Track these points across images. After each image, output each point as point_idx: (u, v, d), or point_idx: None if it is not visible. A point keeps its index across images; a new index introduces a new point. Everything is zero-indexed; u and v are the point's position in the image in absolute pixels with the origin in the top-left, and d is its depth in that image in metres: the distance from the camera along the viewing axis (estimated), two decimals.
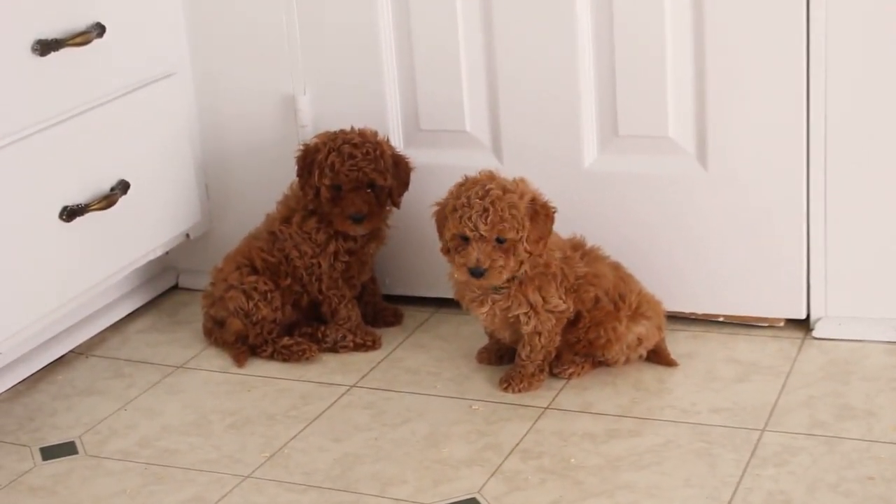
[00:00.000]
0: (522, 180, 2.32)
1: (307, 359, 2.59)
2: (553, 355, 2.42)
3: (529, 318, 2.36)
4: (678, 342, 2.53)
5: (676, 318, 2.59)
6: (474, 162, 2.54)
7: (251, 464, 2.25)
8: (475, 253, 2.27)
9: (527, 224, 2.27)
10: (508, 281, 2.33)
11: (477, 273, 2.27)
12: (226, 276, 2.63)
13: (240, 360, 2.60)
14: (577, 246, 2.43)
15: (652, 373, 2.45)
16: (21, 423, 2.44)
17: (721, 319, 2.59)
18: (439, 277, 2.57)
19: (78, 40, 2.41)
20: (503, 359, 2.51)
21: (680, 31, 2.44)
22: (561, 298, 2.37)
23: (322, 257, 2.59)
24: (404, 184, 2.58)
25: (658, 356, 2.47)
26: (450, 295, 2.48)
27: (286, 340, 2.60)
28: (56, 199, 2.43)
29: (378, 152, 2.53)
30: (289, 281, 2.62)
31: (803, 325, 2.55)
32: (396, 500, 2.12)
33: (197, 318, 2.75)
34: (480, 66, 2.59)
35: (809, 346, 2.49)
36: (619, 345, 2.40)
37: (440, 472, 2.18)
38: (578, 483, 2.12)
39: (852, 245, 2.45)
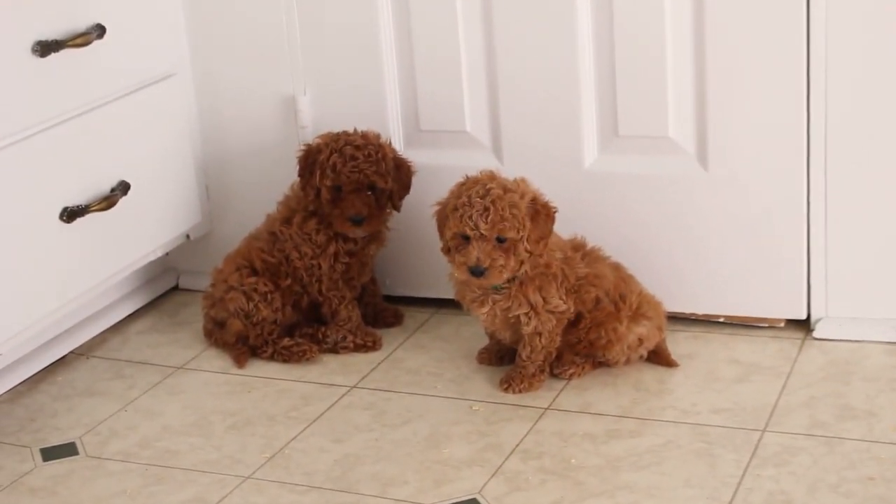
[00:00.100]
0: (523, 180, 2.32)
1: (307, 360, 2.59)
2: (553, 356, 2.42)
3: (530, 318, 2.36)
4: (678, 343, 2.53)
5: (677, 318, 2.59)
6: (474, 162, 2.54)
7: (252, 464, 2.25)
8: (476, 252, 2.27)
9: (527, 224, 2.27)
10: (509, 281, 2.33)
11: (477, 272, 2.27)
12: (226, 278, 2.63)
13: (240, 361, 2.60)
14: (577, 246, 2.43)
15: (652, 373, 2.45)
16: (22, 424, 2.44)
17: (721, 320, 2.59)
18: (440, 278, 2.57)
19: (78, 41, 2.41)
20: (504, 359, 2.51)
21: (680, 31, 2.44)
22: (561, 299, 2.37)
23: (322, 258, 2.59)
24: (405, 187, 2.58)
25: (658, 357, 2.47)
26: (450, 296, 2.49)
27: (286, 341, 2.60)
28: (56, 200, 2.44)
29: (380, 155, 2.53)
30: (289, 282, 2.62)
31: (804, 325, 2.55)
32: (397, 500, 2.12)
33: (197, 318, 2.75)
34: (481, 67, 2.60)
35: (810, 347, 2.49)
36: (620, 345, 2.40)
37: (441, 473, 2.18)
38: (579, 483, 2.12)
39: (853, 245, 2.45)
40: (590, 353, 2.43)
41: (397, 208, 2.58)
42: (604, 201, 2.58)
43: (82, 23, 2.45)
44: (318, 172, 2.52)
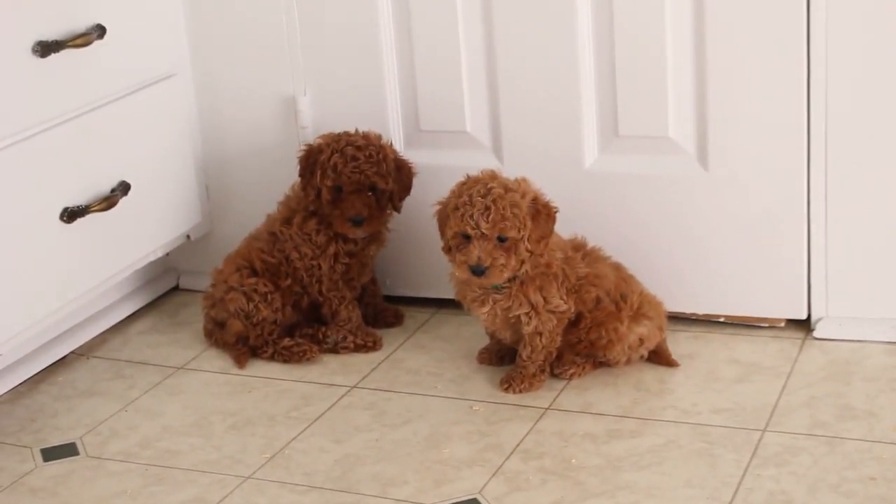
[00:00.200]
0: (524, 180, 2.32)
1: (308, 360, 2.59)
2: (554, 356, 2.42)
3: (530, 318, 2.36)
4: (679, 343, 2.53)
5: (677, 318, 2.59)
6: (475, 162, 2.54)
7: (252, 465, 2.25)
8: (476, 251, 2.27)
9: (528, 223, 2.27)
10: (509, 281, 2.33)
11: (478, 271, 2.27)
12: (226, 278, 2.63)
13: (240, 362, 2.60)
14: (578, 246, 2.43)
15: (653, 373, 2.45)
16: (22, 425, 2.44)
17: (722, 320, 2.59)
18: (440, 278, 2.57)
19: (78, 42, 2.41)
20: (504, 359, 2.51)
21: (680, 31, 2.44)
22: (562, 299, 2.37)
23: (322, 259, 2.59)
24: (406, 188, 2.58)
25: (659, 357, 2.47)
26: (451, 296, 2.48)
27: (287, 341, 2.60)
28: (57, 201, 2.44)
29: (381, 155, 2.53)
30: (289, 282, 2.62)
31: (804, 325, 2.55)
32: (397, 500, 2.12)
33: (198, 319, 2.75)
34: (481, 67, 2.60)
35: (810, 347, 2.49)
36: (621, 345, 2.40)
37: (441, 473, 2.18)
38: (579, 483, 2.12)
39: (853, 245, 2.45)
40: (590, 353, 2.43)
41: (397, 209, 2.58)
42: (604, 201, 2.58)
43: (82, 23, 2.45)
44: (318, 172, 2.52)
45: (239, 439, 2.33)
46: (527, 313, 2.36)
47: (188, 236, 2.83)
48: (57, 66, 2.39)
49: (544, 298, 2.35)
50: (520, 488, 2.12)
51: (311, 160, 2.55)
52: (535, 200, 2.30)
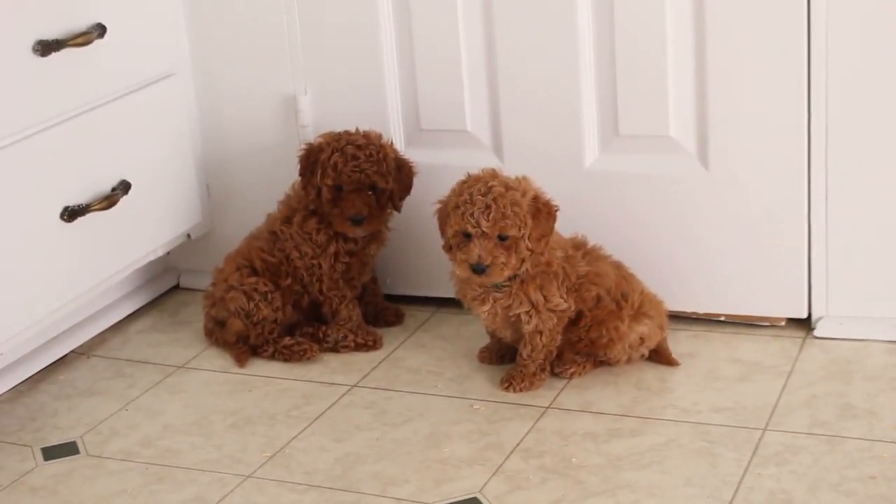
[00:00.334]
0: (525, 178, 2.32)
1: (308, 359, 2.59)
2: (554, 354, 2.42)
3: (531, 316, 2.36)
4: (679, 342, 2.53)
5: (678, 317, 2.58)
6: (475, 161, 2.54)
7: (252, 463, 2.25)
8: (477, 249, 2.27)
9: (529, 222, 2.27)
10: (510, 279, 2.33)
11: (478, 269, 2.27)
12: (226, 277, 2.63)
13: (241, 361, 2.60)
14: (578, 245, 2.43)
15: (653, 372, 2.45)
16: (22, 424, 2.44)
17: (722, 319, 2.59)
18: (440, 277, 2.57)
19: (79, 41, 2.41)
20: (504, 358, 2.51)
21: (681, 30, 2.44)
22: (562, 297, 2.37)
23: (322, 258, 2.59)
24: (406, 188, 2.58)
25: (660, 356, 2.47)
26: (451, 294, 2.49)
27: (287, 340, 2.60)
28: (57, 200, 2.44)
29: (381, 155, 2.53)
30: (289, 281, 2.62)
31: (805, 324, 2.55)
32: (398, 499, 2.12)
33: (198, 318, 2.75)
34: (481, 66, 2.60)
35: (811, 346, 2.49)
36: (622, 344, 2.40)
37: (441, 472, 2.18)
38: (580, 482, 2.11)
39: (853, 244, 2.45)
40: (591, 352, 2.43)
41: (398, 208, 2.58)
42: (604, 200, 2.58)
43: (83, 22, 2.45)
44: (319, 172, 2.52)
45: (239, 438, 2.33)
46: (527, 312, 2.36)
47: (189, 235, 2.83)
48: (57, 66, 2.39)
49: (545, 297, 2.35)
50: (520, 487, 2.12)
51: (312, 159, 2.55)
52: (536, 199, 2.30)
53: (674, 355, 2.47)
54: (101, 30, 2.47)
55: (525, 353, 2.40)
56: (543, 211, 2.30)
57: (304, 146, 2.59)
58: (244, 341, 2.61)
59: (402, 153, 2.61)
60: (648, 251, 2.56)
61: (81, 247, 2.50)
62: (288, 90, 2.73)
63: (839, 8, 2.33)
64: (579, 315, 2.41)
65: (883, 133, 2.38)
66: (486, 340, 2.54)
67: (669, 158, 2.53)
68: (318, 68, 2.71)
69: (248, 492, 2.17)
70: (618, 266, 2.45)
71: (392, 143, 2.61)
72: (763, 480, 2.08)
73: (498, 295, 2.36)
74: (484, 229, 2.26)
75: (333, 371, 2.55)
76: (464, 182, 2.33)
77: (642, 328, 2.41)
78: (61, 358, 2.66)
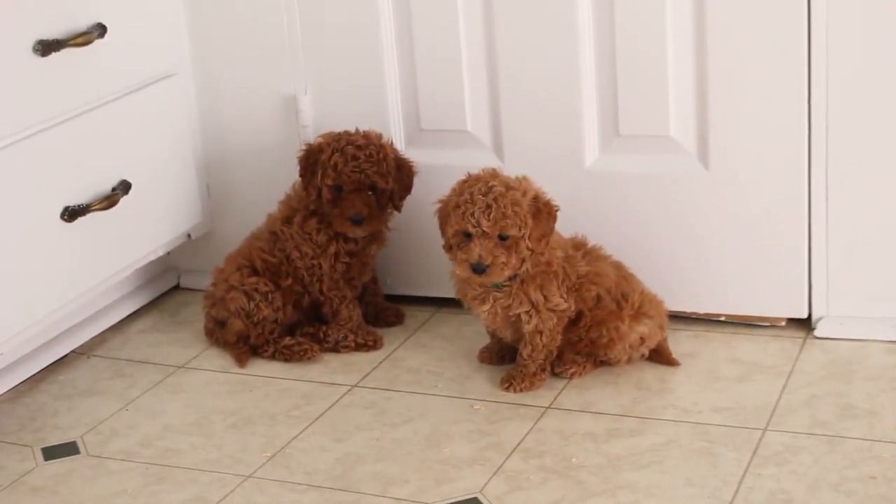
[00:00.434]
0: (525, 178, 2.32)
1: (308, 359, 2.59)
2: (554, 354, 2.42)
3: (531, 316, 2.36)
4: (680, 342, 2.53)
5: (678, 317, 2.58)
6: (475, 161, 2.54)
7: (253, 464, 2.25)
8: (477, 249, 2.27)
9: (529, 221, 2.27)
10: (510, 279, 2.33)
11: (479, 269, 2.27)
12: (227, 277, 2.63)
13: (241, 361, 2.60)
14: (578, 245, 2.43)
15: (653, 372, 2.45)
16: (23, 424, 2.44)
17: (722, 319, 2.59)
18: (441, 277, 2.57)
19: (79, 41, 2.41)
20: (504, 358, 2.51)
21: (681, 30, 2.44)
22: (562, 297, 2.37)
23: (323, 258, 2.59)
24: (406, 188, 2.58)
25: (660, 356, 2.47)
26: (451, 295, 2.48)
27: (287, 340, 2.60)
28: (57, 200, 2.44)
29: (381, 155, 2.53)
30: (290, 281, 2.62)
31: (805, 324, 2.55)
32: (398, 499, 2.12)
33: (198, 318, 2.75)
34: (482, 66, 2.59)
35: (811, 346, 2.49)
36: (622, 344, 2.40)
37: (442, 472, 2.18)
38: (580, 482, 2.11)
39: (854, 244, 2.45)
40: (591, 352, 2.43)
41: (398, 208, 2.58)
42: (605, 200, 2.58)
43: (83, 22, 2.45)
44: (319, 172, 2.52)
45: (239, 438, 2.33)
46: (527, 312, 2.36)
47: (189, 235, 2.83)
48: (58, 65, 2.39)
49: (545, 297, 2.35)
50: (520, 487, 2.12)
51: (312, 160, 2.55)
52: (536, 199, 2.30)
53: (674, 355, 2.47)
54: (101, 30, 2.47)
55: (525, 353, 2.40)
56: (544, 211, 2.30)
57: (303, 147, 2.59)
58: (244, 341, 2.61)
59: (402, 153, 2.61)
60: (649, 251, 2.56)
61: (82, 247, 2.50)
62: (288, 90, 2.73)
63: (839, 8, 2.33)
64: (579, 315, 2.41)
65: (883, 133, 2.38)
66: (486, 340, 2.54)
67: (670, 158, 2.53)
68: (318, 68, 2.71)
69: (249, 492, 2.17)
70: (618, 266, 2.45)
71: (392, 142, 2.61)
72: (763, 480, 2.08)
73: (498, 295, 2.36)
74: (484, 229, 2.26)
75: (334, 371, 2.55)
76: (464, 182, 2.33)
77: (642, 328, 2.41)
78: (61, 358, 2.66)
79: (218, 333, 2.66)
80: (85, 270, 2.52)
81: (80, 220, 2.47)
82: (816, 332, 2.51)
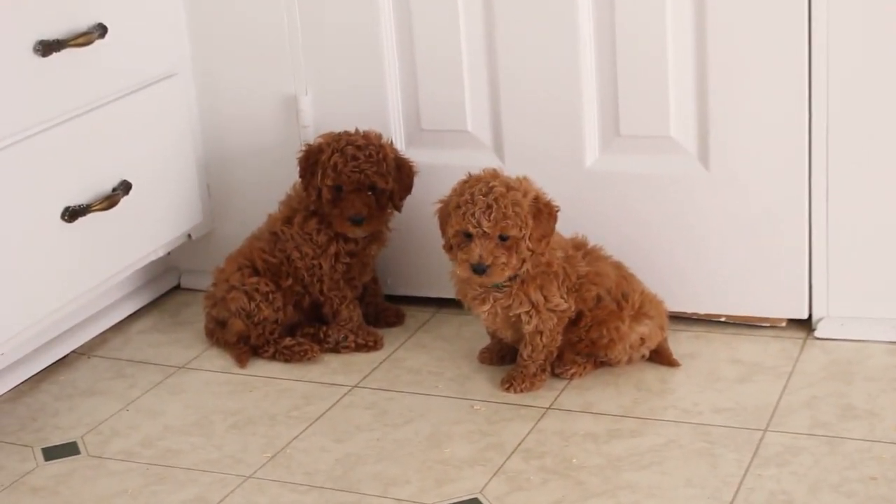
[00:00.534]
0: (526, 179, 2.33)
1: (309, 359, 2.59)
2: (555, 355, 2.42)
3: (531, 317, 2.36)
4: (680, 342, 2.53)
5: (678, 318, 2.58)
6: (476, 162, 2.54)
7: (253, 464, 2.25)
8: (478, 249, 2.27)
9: (530, 222, 2.27)
10: (510, 279, 2.33)
11: (479, 269, 2.27)
12: (227, 277, 2.63)
13: (241, 361, 2.60)
14: (578, 245, 2.43)
15: (654, 373, 2.45)
16: (23, 424, 2.44)
17: (723, 319, 2.59)
18: (441, 277, 2.57)
19: (80, 41, 2.41)
20: (505, 359, 2.51)
21: (681, 30, 2.44)
22: (563, 297, 2.37)
23: (323, 258, 2.59)
24: (407, 188, 2.58)
25: (660, 356, 2.47)
26: (452, 295, 2.48)
27: (288, 341, 2.60)
28: (58, 200, 2.44)
29: (381, 155, 2.53)
30: (290, 282, 2.62)
31: (805, 325, 2.55)
32: (398, 500, 2.12)
33: (199, 318, 2.75)
34: (482, 66, 2.59)
35: (811, 347, 2.49)
36: (623, 344, 2.40)
37: (442, 473, 2.18)
38: (580, 483, 2.11)
39: (854, 245, 2.45)
40: (592, 353, 2.43)
41: (398, 208, 2.58)
42: (605, 200, 2.58)
43: (84, 22, 2.45)
44: (319, 172, 2.52)
45: (240, 439, 2.33)
46: (527, 312, 2.36)
47: (189, 235, 2.83)
48: (58, 66, 2.39)
49: (545, 297, 2.35)
50: (521, 488, 2.12)
51: (312, 160, 2.55)
52: (537, 199, 2.30)
53: (674, 356, 2.47)
54: (101, 30, 2.47)
55: (525, 353, 2.40)
56: (544, 211, 2.30)
57: (303, 147, 2.59)
58: (245, 342, 2.61)
59: (402, 153, 2.61)
60: (649, 251, 2.56)
61: (82, 247, 2.50)
62: (289, 90, 2.73)
63: (840, 7, 2.33)
64: (580, 315, 2.41)
65: (884, 133, 2.38)
66: (486, 341, 2.54)
67: (670, 158, 2.53)
68: (318, 68, 2.71)
69: (249, 492, 2.17)
70: (618, 266, 2.45)
71: (392, 142, 2.61)
72: (763, 481, 2.08)
73: (498, 295, 2.36)
74: (485, 229, 2.26)
75: (334, 371, 2.55)
76: (465, 182, 2.33)
77: (643, 328, 2.41)
78: (62, 358, 2.66)
79: (218, 334, 2.66)
80: (85, 270, 2.52)
81: (81, 220, 2.47)
82: (817, 333, 2.51)
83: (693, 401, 2.34)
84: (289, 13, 2.69)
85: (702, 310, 2.60)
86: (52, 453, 2.33)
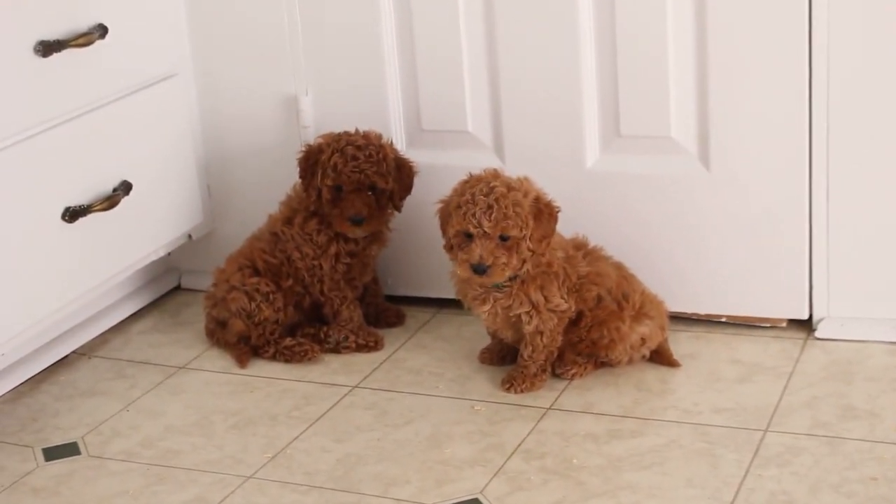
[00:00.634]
0: (526, 179, 2.33)
1: (309, 359, 2.59)
2: (555, 355, 2.42)
3: (531, 317, 2.36)
4: (680, 342, 2.53)
5: (679, 318, 2.58)
6: (476, 162, 2.54)
7: (253, 464, 2.25)
8: (478, 249, 2.27)
9: (530, 222, 2.27)
10: (510, 279, 2.33)
11: (480, 270, 2.27)
12: (228, 277, 2.63)
13: (242, 361, 2.60)
14: (579, 245, 2.43)
15: (654, 373, 2.45)
16: (24, 424, 2.44)
17: (723, 320, 2.59)
18: (441, 278, 2.57)
19: (80, 41, 2.41)
20: (505, 359, 2.51)
21: (682, 30, 2.44)
22: (563, 298, 2.37)
23: (323, 259, 2.59)
24: (407, 188, 2.58)
25: (661, 356, 2.47)
26: (452, 295, 2.48)
27: (288, 341, 2.60)
28: (58, 200, 2.44)
29: (381, 155, 2.53)
30: (290, 282, 2.62)
31: (806, 325, 2.55)
32: (399, 500, 2.12)
33: (199, 318, 2.75)
34: (482, 67, 2.59)
35: (812, 347, 2.49)
36: (623, 345, 2.40)
37: (443, 473, 2.18)
38: (581, 483, 2.12)
39: (855, 245, 2.45)
40: (592, 353, 2.43)
41: (398, 209, 2.58)
42: (605, 201, 2.58)
43: (84, 23, 2.45)
44: (319, 172, 2.52)
45: (240, 439, 2.33)
46: (527, 312, 2.36)
47: (190, 236, 2.83)
48: (59, 66, 2.39)
49: (545, 297, 2.35)
50: (521, 488, 2.12)
51: (312, 160, 2.55)
52: (538, 200, 2.30)
53: (675, 356, 2.47)
54: (102, 30, 2.47)
55: (526, 353, 2.40)
56: (545, 212, 2.30)
57: (303, 147, 2.59)
58: (245, 342, 2.61)
59: (402, 153, 2.61)
60: (649, 251, 2.56)
61: (82, 247, 2.50)
62: (289, 90, 2.73)
63: (840, 7, 2.33)
64: (580, 316, 2.41)
65: (884, 133, 2.38)
66: (486, 341, 2.54)
67: (670, 159, 2.53)
68: (319, 68, 2.71)
69: (250, 492, 2.17)
70: (619, 266, 2.45)
71: (392, 143, 2.61)
72: (764, 481, 2.08)
73: (498, 295, 2.36)
74: (486, 229, 2.26)
75: (334, 372, 2.55)
76: (466, 182, 2.33)
77: (643, 329, 2.41)
78: (62, 358, 2.66)
79: (219, 334, 2.66)
80: (86, 271, 2.52)
81: (81, 220, 2.47)
82: (817, 333, 2.51)
83: (693, 401, 2.34)
84: (289, 13, 2.69)
85: (702, 310, 2.60)
86: (52, 454, 2.33)
